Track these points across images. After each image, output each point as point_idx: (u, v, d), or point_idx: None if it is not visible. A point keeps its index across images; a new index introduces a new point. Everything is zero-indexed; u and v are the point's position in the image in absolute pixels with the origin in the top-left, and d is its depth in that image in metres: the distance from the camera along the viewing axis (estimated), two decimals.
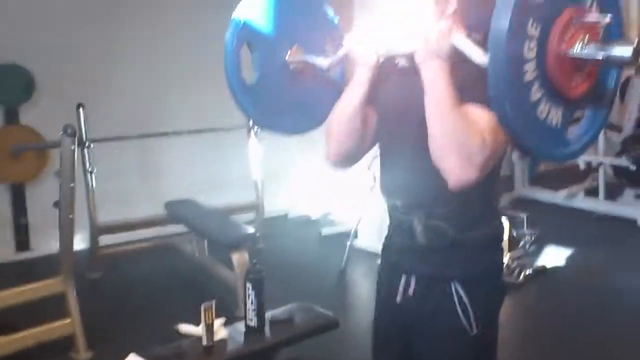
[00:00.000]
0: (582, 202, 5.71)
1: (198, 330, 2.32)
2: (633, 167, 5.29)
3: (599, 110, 1.39)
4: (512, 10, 1.13)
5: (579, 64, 1.24)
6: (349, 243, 4.40)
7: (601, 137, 5.65)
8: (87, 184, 4.14)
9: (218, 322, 2.35)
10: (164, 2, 4.95)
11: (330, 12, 1.84)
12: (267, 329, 2.44)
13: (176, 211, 4.29)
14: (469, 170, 1.35)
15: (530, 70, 1.21)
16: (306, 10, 1.80)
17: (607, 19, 1.25)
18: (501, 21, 1.14)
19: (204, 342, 2.27)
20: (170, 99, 5.05)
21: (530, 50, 1.20)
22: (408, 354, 1.65)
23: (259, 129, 1.54)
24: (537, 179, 6.23)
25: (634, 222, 5.21)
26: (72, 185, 3.14)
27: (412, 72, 1.47)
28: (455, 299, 1.53)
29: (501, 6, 1.15)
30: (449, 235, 1.51)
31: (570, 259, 4.51)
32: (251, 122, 1.61)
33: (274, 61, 1.74)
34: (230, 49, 1.69)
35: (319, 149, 5.62)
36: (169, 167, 5.15)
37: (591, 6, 1.30)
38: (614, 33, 1.33)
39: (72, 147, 3.12)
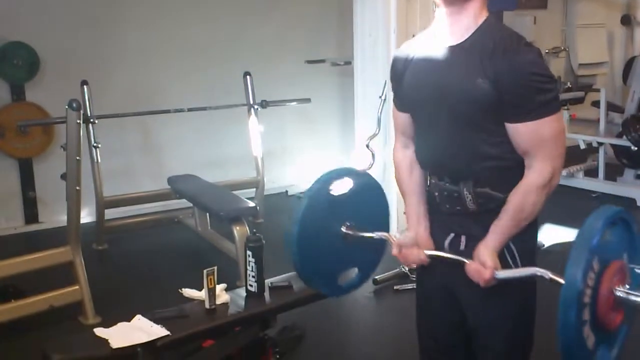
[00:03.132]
0: (581, 181, 5.76)
1: (201, 294, 2.43)
2: (634, 148, 5.34)
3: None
4: (584, 265, 1.35)
5: (618, 305, 1.44)
6: None
7: (602, 117, 5.72)
8: (92, 159, 4.24)
9: (220, 287, 2.45)
10: None
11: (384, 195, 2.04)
12: (266, 294, 2.54)
13: (179, 186, 4.38)
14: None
15: (587, 295, 1.39)
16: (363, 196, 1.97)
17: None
18: (576, 276, 1.35)
19: (207, 305, 2.37)
20: (173, 76, 5.13)
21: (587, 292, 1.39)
22: (453, 305, 1.79)
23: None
24: None
25: (634, 201, 5.27)
26: (78, 158, 3.24)
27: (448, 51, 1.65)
28: (505, 250, 1.67)
29: (575, 260, 1.36)
30: (496, 199, 1.65)
31: (568, 237, 4.58)
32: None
33: (331, 235, 1.89)
34: (293, 238, 1.82)
35: (318, 127, 5.76)
36: (172, 144, 5.25)
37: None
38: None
39: (78, 121, 3.22)
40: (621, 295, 1.42)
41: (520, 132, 1.58)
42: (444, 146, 1.70)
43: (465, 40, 1.62)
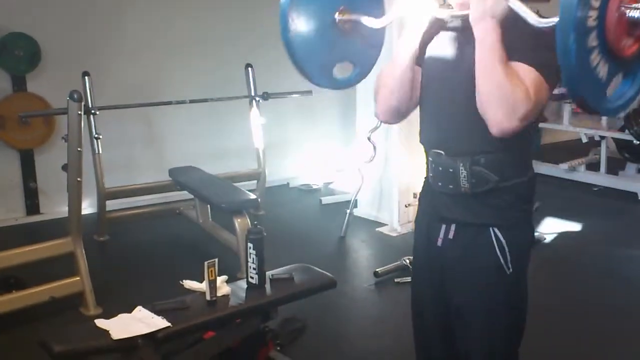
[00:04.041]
0: (583, 175, 5.75)
1: (202, 286, 2.43)
2: (636, 142, 5.32)
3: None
4: None
5: (632, 28, 1.31)
6: (348, 211, 4.49)
7: None
8: (93, 151, 4.23)
9: (221, 279, 2.45)
10: None
11: None
12: (267, 286, 2.53)
13: (180, 177, 4.38)
14: (512, 120, 1.49)
15: (592, 18, 1.27)
16: None
17: None
18: None
19: (208, 297, 2.37)
20: (175, 68, 5.12)
21: (591, 13, 1.27)
22: (444, 295, 1.79)
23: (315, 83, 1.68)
24: (539, 152, 6.29)
25: (635, 195, 5.27)
26: (79, 149, 3.23)
27: (461, 31, 1.63)
28: (494, 242, 1.68)
29: None
30: (490, 181, 1.65)
31: (569, 231, 4.59)
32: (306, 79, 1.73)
33: (324, 20, 1.84)
34: (284, 10, 1.79)
35: (320, 120, 5.75)
36: (173, 135, 5.24)
37: None
38: None
39: (79, 112, 3.21)
40: (635, 15, 1.27)
41: (519, 69, 1.53)
42: (447, 122, 1.70)
43: None
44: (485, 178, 1.66)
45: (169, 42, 5.10)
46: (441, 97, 1.71)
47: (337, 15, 1.84)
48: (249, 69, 4.85)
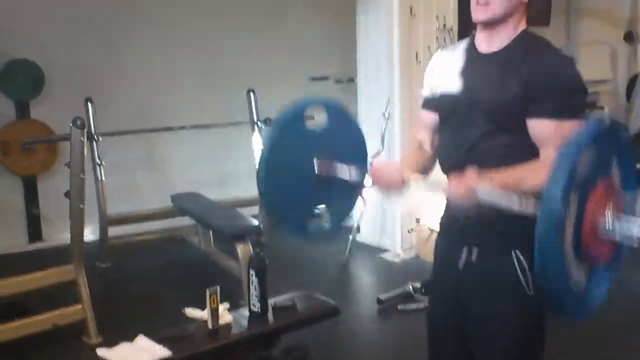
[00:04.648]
0: None
1: (204, 314, 2.41)
2: (639, 166, 5.32)
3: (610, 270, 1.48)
4: (566, 181, 1.25)
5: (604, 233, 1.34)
6: (351, 237, 4.49)
7: None
8: (96, 177, 4.24)
9: (223, 307, 2.44)
10: (171, 2, 5.05)
11: (356, 124, 1.97)
12: (270, 314, 2.52)
13: (182, 204, 4.39)
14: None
15: (569, 224, 1.30)
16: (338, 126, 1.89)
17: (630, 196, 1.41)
18: (555, 190, 1.25)
19: (210, 325, 2.36)
20: (177, 94, 5.16)
21: (570, 210, 1.30)
22: (465, 317, 1.78)
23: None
24: None
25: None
26: (82, 176, 3.24)
27: (468, 61, 1.71)
28: (516, 264, 1.68)
29: (556, 176, 1.26)
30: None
31: None
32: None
33: (303, 171, 1.81)
34: (265, 161, 1.77)
35: None
36: (175, 161, 5.26)
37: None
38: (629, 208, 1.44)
39: (82, 139, 3.22)
40: (609, 222, 1.29)
41: (543, 127, 1.60)
42: (466, 148, 1.72)
43: (502, 49, 1.69)
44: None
45: (171, 68, 5.15)
46: (458, 123, 1.74)
47: (315, 161, 1.80)
48: (251, 94, 4.88)
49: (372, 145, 4.28)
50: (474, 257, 1.74)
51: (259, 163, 1.77)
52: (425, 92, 1.89)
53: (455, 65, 1.78)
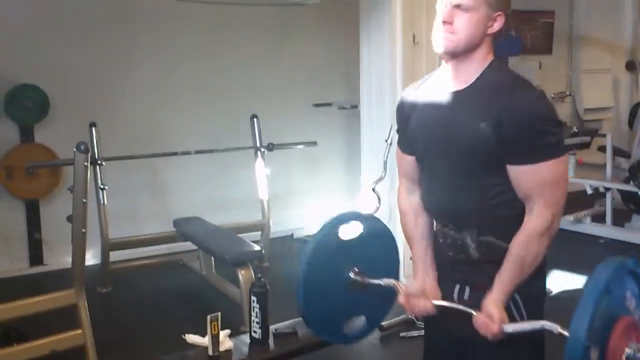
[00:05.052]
0: (589, 227, 5.71)
1: (204, 340, 2.39)
2: None
3: None
4: (589, 320, 1.33)
5: None
6: None
7: (609, 162, 5.70)
8: (98, 201, 4.24)
9: (223, 333, 2.42)
10: (174, 27, 5.10)
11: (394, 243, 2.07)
12: (271, 341, 2.50)
13: (184, 229, 4.38)
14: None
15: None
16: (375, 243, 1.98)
17: None
18: (581, 331, 1.33)
19: (210, 352, 2.34)
20: (181, 119, 5.18)
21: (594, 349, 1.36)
22: (461, 353, 1.76)
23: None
24: None
25: None
26: (84, 200, 3.23)
27: (447, 103, 1.66)
28: (510, 302, 1.65)
29: (581, 314, 1.34)
30: (500, 248, 1.64)
31: (576, 284, 4.52)
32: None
33: (339, 279, 1.88)
34: (303, 278, 1.84)
35: (324, 170, 5.74)
36: (178, 186, 5.26)
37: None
38: None
39: (85, 163, 3.23)
40: (631, 354, 1.36)
41: (521, 174, 1.57)
42: (449, 193, 1.70)
43: (470, 85, 1.64)
44: (494, 246, 1.65)
45: (175, 93, 5.17)
46: (437, 166, 1.72)
47: (351, 274, 1.88)
48: (255, 119, 4.90)
49: (375, 171, 4.27)
50: (466, 295, 1.72)
51: (298, 280, 1.82)
52: (399, 132, 1.86)
53: (424, 104, 1.73)
